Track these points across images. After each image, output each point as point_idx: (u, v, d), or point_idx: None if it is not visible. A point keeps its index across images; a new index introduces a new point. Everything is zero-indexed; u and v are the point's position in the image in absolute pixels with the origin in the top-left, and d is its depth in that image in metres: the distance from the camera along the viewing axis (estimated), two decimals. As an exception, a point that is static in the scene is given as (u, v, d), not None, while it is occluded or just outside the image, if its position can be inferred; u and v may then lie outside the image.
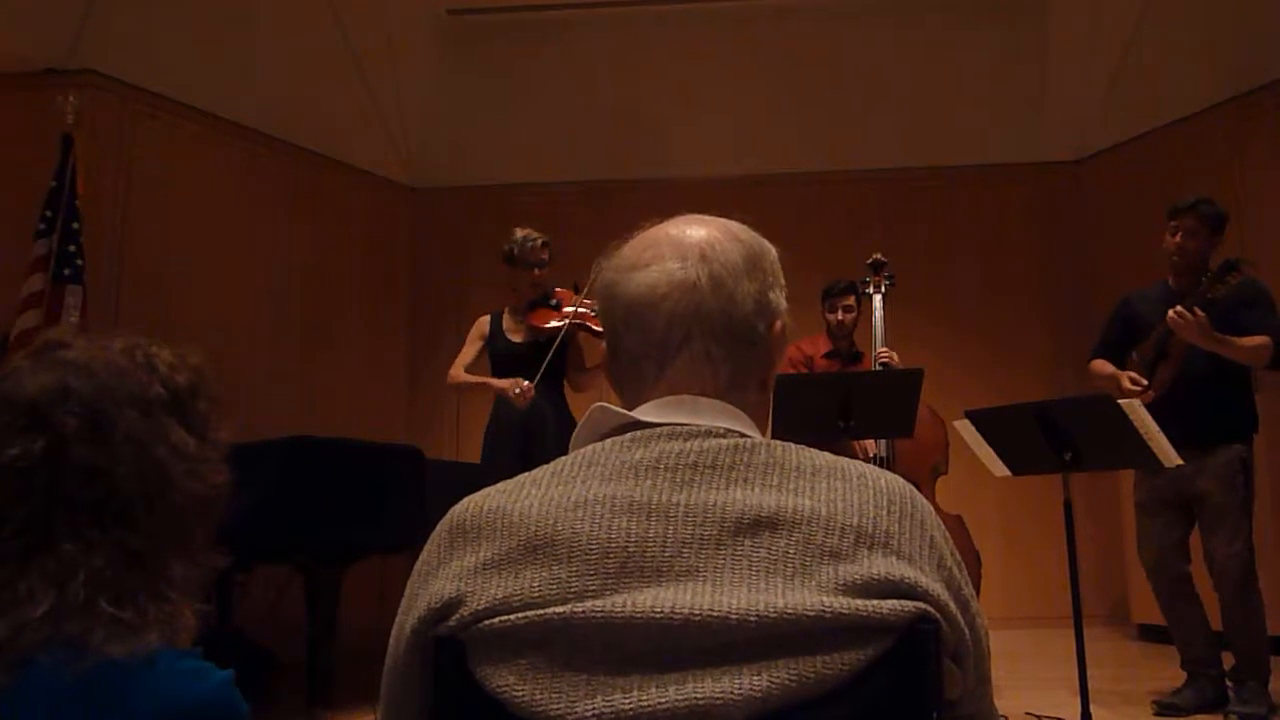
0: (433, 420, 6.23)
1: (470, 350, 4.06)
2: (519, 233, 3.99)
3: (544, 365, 3.79)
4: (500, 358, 3.99)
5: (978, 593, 4.35)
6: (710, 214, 1.02)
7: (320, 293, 5.88)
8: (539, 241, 3.96)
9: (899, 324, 5.73)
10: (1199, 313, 3.36)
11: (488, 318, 4.11)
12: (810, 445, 0.90)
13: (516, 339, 3.99)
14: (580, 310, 3.88)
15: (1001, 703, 3.59)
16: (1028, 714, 3.41)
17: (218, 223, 5.29)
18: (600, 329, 4.11)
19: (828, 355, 4.36)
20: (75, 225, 4.30)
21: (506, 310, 4.08)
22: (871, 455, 4.08)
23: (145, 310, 4.74)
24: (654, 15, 6.29)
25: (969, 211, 6.34)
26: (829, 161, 6.33)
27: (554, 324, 3.90)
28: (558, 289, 4.02)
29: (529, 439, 3.80)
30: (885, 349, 4.21)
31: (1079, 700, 3.04)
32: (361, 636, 3.29)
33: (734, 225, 1.00)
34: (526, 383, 3.79)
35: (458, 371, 4.00)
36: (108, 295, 4.67)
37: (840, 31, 6.21)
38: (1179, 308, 3.40)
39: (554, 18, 6.35)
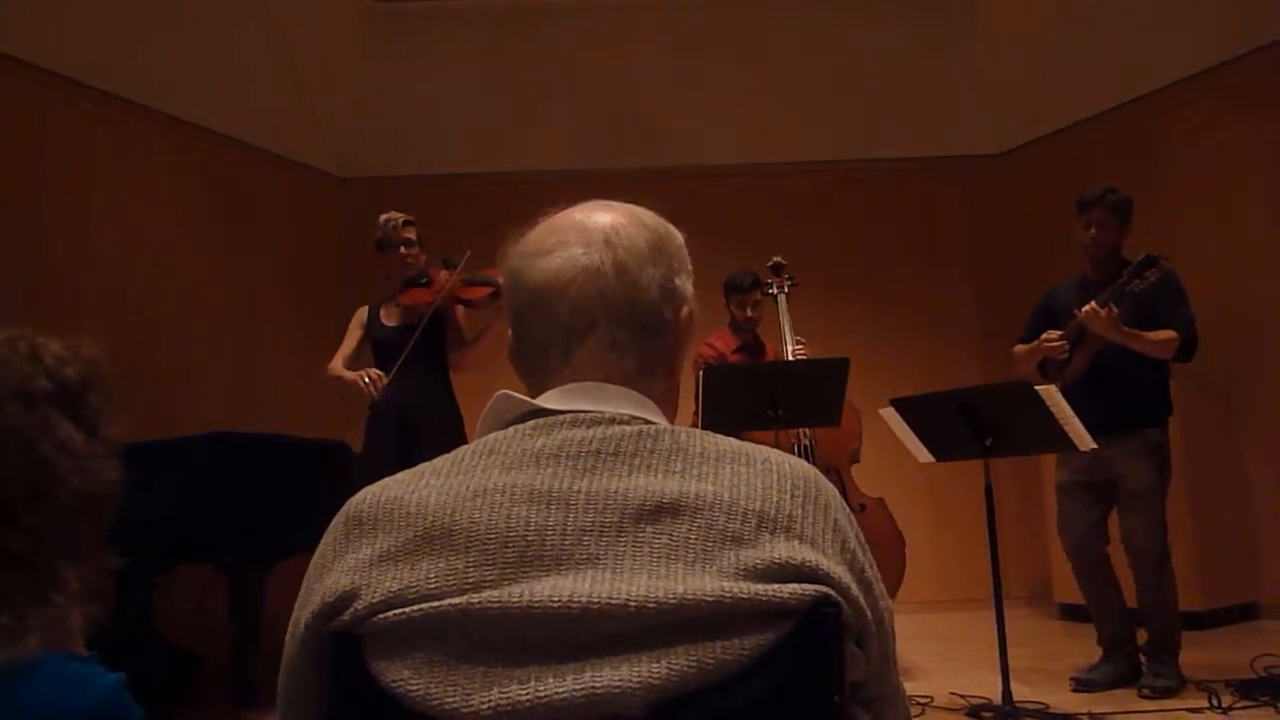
0: (364, 415, 6.11)
1: (349, 342, 3.99)
2: (382, 216, 3.98)
3: (409, 345, 3.74)
4: (376, 344, 3.95)
5: (902, 575, 4.40)
6: (636, 204, 1.01)
7: (248, 285, 5.74)
8: (400, 220, 3.95)
9: (832, 312, 5.82)
10: (1112, 309, 3.47)
11: (366, 308, 4.06)
12: (743, 436, 0.90)
13: (390, 323, 3.94)
14: (452, 286, 3.82)
15: (928, 684, 3.66)
16: (953, 694, 3.48)
17: (139, 214, 5.12)
18: (473, 299, 3.99)
19: (738, 350, 4.42)
20: (-17, 216, 4.14)
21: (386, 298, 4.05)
22: (799, 444, 4.14)
23: (62, 304, 4.58)
24: (588, 4, 6.25)
25: (898, 202, 6.45)
26: (760, 154, 6.38)
27: (425, 302, 3.85)
28: (431, 268, 3.98)
29: (404, 429, 3.77)
30: (800, 341, 4.30)
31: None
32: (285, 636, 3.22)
33: (640, 211, 1.00)
34: (376, 372, 3.75)
35: (334, 364, 3.92)
36: (20, 288, 4.48)
37: (768, 25, 6.25)
38: (1093, 303, 3.50)
39: (482, 4, 6.27)
